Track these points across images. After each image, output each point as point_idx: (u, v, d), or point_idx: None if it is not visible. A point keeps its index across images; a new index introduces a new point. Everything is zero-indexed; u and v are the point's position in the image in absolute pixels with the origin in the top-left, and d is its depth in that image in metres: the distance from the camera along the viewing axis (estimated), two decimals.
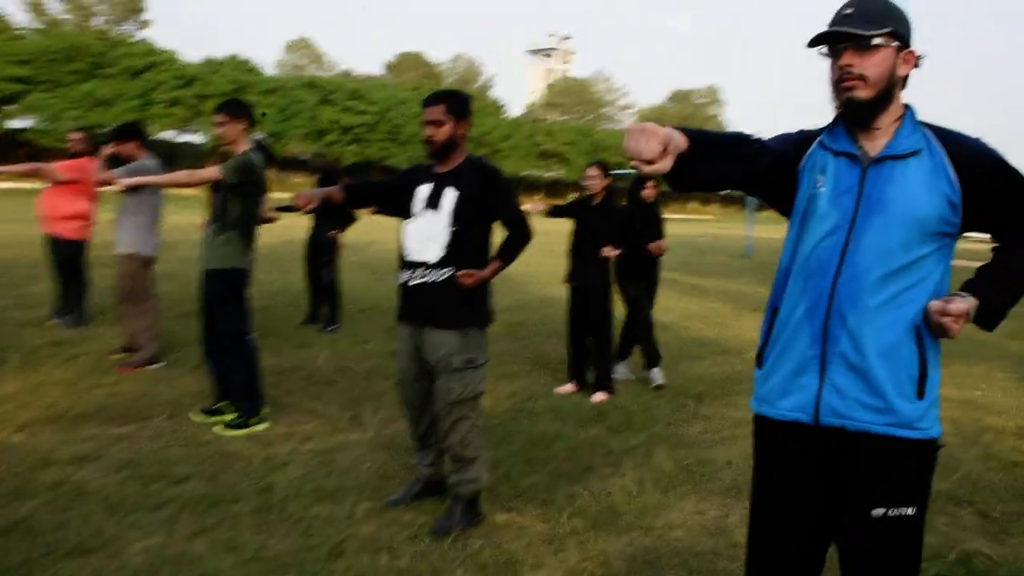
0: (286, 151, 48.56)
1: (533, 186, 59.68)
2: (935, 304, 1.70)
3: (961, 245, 1.89)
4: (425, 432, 3.49)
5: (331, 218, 7.43)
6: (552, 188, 62.34)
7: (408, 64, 74.66)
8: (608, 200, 5.60)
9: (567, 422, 4.82)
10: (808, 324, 1.79)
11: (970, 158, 1.74)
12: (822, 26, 1.78)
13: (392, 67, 74.66)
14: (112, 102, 42.29)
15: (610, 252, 5.43)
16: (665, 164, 1.62)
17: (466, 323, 3.24)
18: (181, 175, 4.78)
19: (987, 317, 1.78)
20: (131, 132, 5.79)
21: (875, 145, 1.80)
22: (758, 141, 1.86)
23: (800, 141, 1.91)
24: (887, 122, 1.79)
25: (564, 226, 5.75)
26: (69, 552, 2.88)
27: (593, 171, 5.60)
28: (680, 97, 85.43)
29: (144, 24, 59.49)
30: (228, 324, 4.49)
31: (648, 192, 5.91)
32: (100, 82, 42.77)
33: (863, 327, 1.72)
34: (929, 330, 1.73)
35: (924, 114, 1.83)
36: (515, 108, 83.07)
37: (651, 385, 5.78)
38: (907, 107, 1.82)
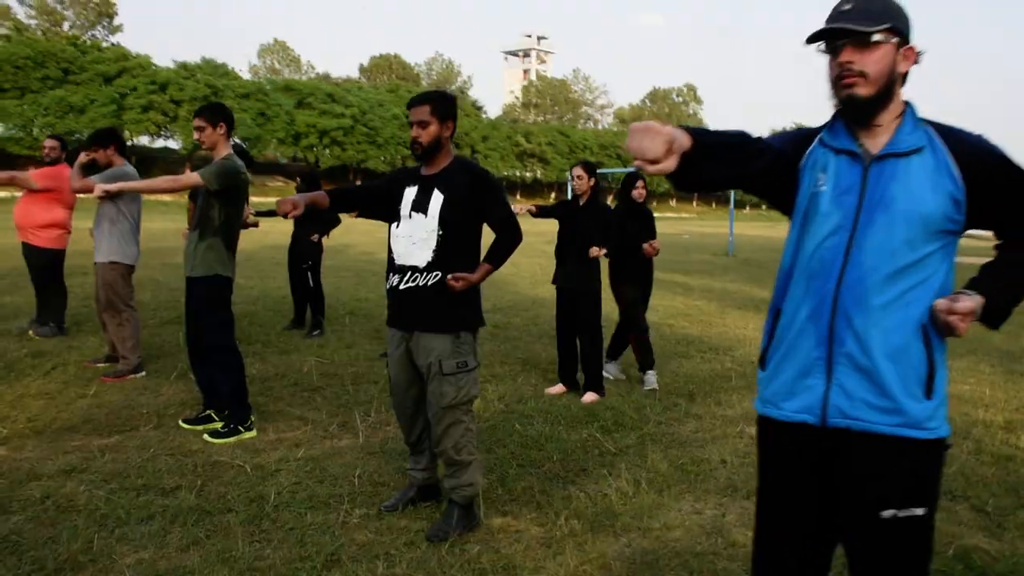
0: (263, 156, 48.24)
1: (512, 186, 59.84)
2: (941, 303, 1.68)
3: (962, 243, 1.89)
4: (418, 438, 3.45)
5: (314, 222, 7.35)
6: (531, 188, 62.53)
7: (384, 66, 74.51)
8: (594, 200, 5.57)
9: (559, 424, 4.80)
10: (813, 325, 1.77)
11: (973, 155, 1.72)
12: (817, 23, 1.76)
13: (368, 69, 74.48)
14: (84, 108, 41.78)
15: (597, 252, 5.40)
16: (670, 164, 1.58)
17: (457, 327, 3.20)
18: (161, 181, 4.65)
19: (992, 315, 1.77)
20: (108, 137, 5.62)
21: (876, 143, 1.78)
22: (761, 140, 1.83)
23: (800, 139, 1.89)
24: (888, 119, 1.77)
25: (551, 226, 5.70)
26: (58, 568, 2.81)
27: (579, 171, 5.56)
28: (659, 96, 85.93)
29: (115, 29, 58.90)
30: (213, 333, 4.41)
31: (638, 192, 5.89)
32: (71, 88, 42.25)
33: (870, 328, 1.70)
34: (936, 329, 1.71)
35: (924, 111, 1.82)
36: (493, 109, 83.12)
37: (644, 388, 5.76)
38: (907, 104, 1.81)
